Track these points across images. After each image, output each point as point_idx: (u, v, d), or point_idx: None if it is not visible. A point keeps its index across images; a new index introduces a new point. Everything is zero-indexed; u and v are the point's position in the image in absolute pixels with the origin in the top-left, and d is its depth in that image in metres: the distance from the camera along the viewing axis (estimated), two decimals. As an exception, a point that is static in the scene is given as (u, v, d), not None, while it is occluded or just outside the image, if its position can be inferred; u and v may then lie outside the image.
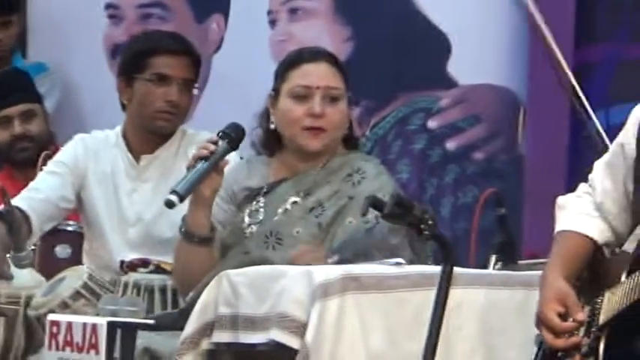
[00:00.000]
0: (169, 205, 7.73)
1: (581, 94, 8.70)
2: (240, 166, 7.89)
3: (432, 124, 9.34)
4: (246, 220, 7.87)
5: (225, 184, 7.89)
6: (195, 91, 9.05)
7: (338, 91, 7.70)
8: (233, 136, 7.69)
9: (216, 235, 7.77)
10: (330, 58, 8.15)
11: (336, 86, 7.72)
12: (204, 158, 7.67)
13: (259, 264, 7.40)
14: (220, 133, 7.83)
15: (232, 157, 7.94)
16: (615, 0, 9.45)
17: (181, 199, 7.65)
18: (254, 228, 7.81)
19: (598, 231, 6.01)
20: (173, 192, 7.70)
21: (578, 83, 9.24)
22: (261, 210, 7.79)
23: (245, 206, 7.88)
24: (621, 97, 7.21)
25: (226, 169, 7.87)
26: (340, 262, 7.39)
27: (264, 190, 7.88)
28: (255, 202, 7.85)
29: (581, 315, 5.82)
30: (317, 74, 7.83)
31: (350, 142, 7.95)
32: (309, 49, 8.46)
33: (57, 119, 9.66)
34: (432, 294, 6.20)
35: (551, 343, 5.90)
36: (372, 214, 7.17)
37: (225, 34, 10.08)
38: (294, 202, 7.69)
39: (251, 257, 7.46)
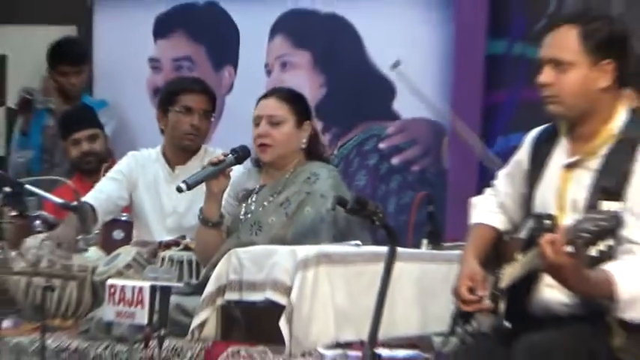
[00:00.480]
0: (179, 190, 7.79)
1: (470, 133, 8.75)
2: (242, 174, 8.03)
3: (381, 145, 9.44)
4: (242, 212, 7.98)
5: (232, 186, 8.02)
6: (212, 119, 9.05)
7: (279, 118, 7.82)
8: (240, 153, 7.79)
9: (224, 222, 7.91)
10: (280, 94, 8.23)
11: (276, 114, 7.85)
12: (215, 164, 7.82)
13: (247, 245, 7.58)
14: (231, 150, 7.91)
15: (238, 168, 8.03)
16: (516, 56, 9.48)
17: (189, 188, 7.75)
18: (246, 217, 7.97)
19: (500, 222, 6.20)
20: (184, 182, 7.81)
21: (489, 117, 9.43)
22: (252, 206, 7.93)
23: (243, 202, 7.99)
24: (518, 128, 7.24)
25: (233, 175, 8.02)
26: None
27: (255, 191, 7.97)
28: (249, 200, 7.95)
29: (482, 292, 5.96)
30: (264, 106, 8.01)
31: (311, 154, 8.02)
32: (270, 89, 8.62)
33: (114, 141, 9.70)
34: (381, 267, 6.22)
35: (460, 308, 6.10)
36: (324, 207, 7.66)
37: (235, 80, 10.12)
38: (270, 200, 7.82)
39: (241, 241, 7.63)
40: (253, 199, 8.01)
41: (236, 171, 8.14)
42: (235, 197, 8.10)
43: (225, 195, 8.03)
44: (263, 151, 7.93)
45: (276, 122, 7.90)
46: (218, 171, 7.84)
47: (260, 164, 8.17)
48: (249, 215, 7.96)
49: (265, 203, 7.92)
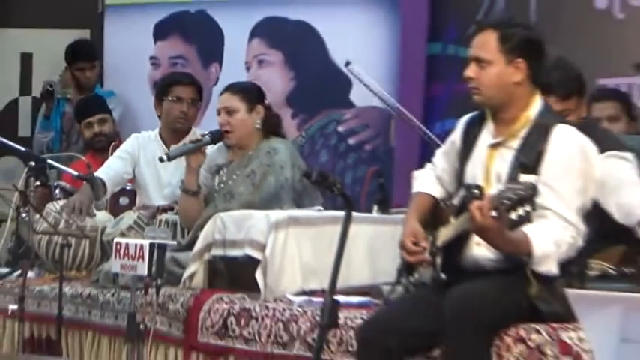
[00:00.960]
0: (161, 160, 8.01)
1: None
2: (214, 152, 7.98)
3: (340, 129, 9.41)
4: (216, 183, 7.97)
5: (207, 162, 8.02)
6: (199, 107, 9.03)
7: (233, 107, 7.82)
8: (215, 136, 7.82)
9: (201, 192, 7.91)
10: (232, 88, 8.22)
11: (230, 105, 7.86)
12: (193, 142, 7.93)
13: (225, 211, 7.59)
14: (208, 132, 7.98)
15: (212, 147, 8.01)
16: (450, 56, 9.46)
17: (169, 159, 7.91)
18: (220, 188, 7.95)
19: (437, 192, 6.22)
20: (166, 154, 7.97)
21: (429, 106, 9.43)
22: (224, 178, 7.89)
23: (216, 175, 7.97)
24: (452, 114, 7.21)
25: (208, 153, 8.06)
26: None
27: (225, 165, 7.95)
28: (221, 173, 7.92)
29: (425, 243, 5.98)
30: (221, 100, 8.01)
31: (268, 132, 8.00)
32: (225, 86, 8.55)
33: (120, 124, 9.68)
34: (339, 228, 6.29)
35: (407, 259, 6.11)
36: (283, 176, 7.72)
37: (220, 74, 10.09)
38: (238, 174, 7.77)
39: (218, 208, 7.62)
40: (224, 171, 8.00)
41: (209, 149, 8.09)
42: (209, 171, 8.08)
43: (201, 170, 8.03)
44: (226, 137, 7.96)
45: (231, 111, 7.90)
46: (195, 148, 7.92)
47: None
48: (222, 186, 7.96)
49: (234, 176, 7.91)
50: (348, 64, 8.47)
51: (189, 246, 7.61)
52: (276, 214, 7.31)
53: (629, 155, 6.20)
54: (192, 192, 7.94)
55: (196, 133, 8.79)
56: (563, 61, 6.85)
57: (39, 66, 11.50)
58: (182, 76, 9.27)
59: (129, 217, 8.10)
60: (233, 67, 10.17)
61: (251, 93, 8.15)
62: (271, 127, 8.06)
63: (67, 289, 7.41)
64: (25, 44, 11.61)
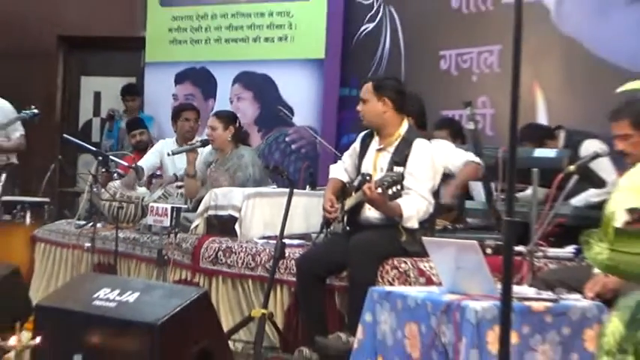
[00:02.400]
0: (168, 154, 8.17)
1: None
2: (208, 152, 7.80)
3: (287, 139, 9.28)
4: (208, 173, 7.76)
5: (204, 158, 7.87)
6: (199, 124, 8.82)
7: (215, 126, 7.64)
8: (203, 142, 7.79)
9: (197, 175, 7.75)
10: (217, 114, 8.05)
11: (213, 125, 7.68)
12: (190, 145, 7.88)
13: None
14: (200, 140, 7.99)
15: (207, 148, 7.89)
16: (353, 96, 9.20)
17: (173, 154, 8.04)
18: (210, 176, 7.73)
19: (344, 177, 6.14)
20: (171, 151, 8.01)
21: (340, 126, 9.37)
22: (212, 169, 7.71)
23: (208, 167, 7.76)
24: (354, 131, 7.04)
25: (203, 152, 7.94)
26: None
27: (214, 161, 7.73)
28: (211, 166, 7.72)
29: (337, 208, 5.95)
30: (209, 121, 7.82)
31: (238, 141, 7.76)
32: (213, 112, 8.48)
33: (154, 134, 9.55)
34: (285, 198, 6.21)
35: (327, 217, 6.05)
36: (248, 172, 7.55)
37: (214, 105, 9.90)
38: (220, 168, 7.58)
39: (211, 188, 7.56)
40: (213, 166, 7.77)
41: (206, 150, 7.94)
42: (205, 164, 7.87)
43: (198, 162, 7.85)
44: (211, 143, 7.78)
45: (214, 128, 7.70)
46: (190, 149, 7.81)
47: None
48: (212, 174, 7.73)
49: (219, 169, 7.69)
50: (280, 110, 8.44)
51: (194, 209, 7.45)
52: (248, 190, 7.20)
53: None
54: (190, 175, 7.78)
55: (197, 140, 8.72)
56: (417, 98, 6.82)
57: (105, 99, 11.35)
58: (188, 106, 9.06)
59: (159, 191, 8.04)
60: (222, 102, 9.97)
61: (226, 117, 7.92)
62: (240, 139, 7.89)
63: (121, 234, 7.32)
64: (96, 86, 11.46)
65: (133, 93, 10.49)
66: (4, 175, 8.43)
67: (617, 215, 3.12)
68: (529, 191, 5.79)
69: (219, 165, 7.78)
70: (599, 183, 6.09)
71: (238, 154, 7.74)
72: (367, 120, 5.98)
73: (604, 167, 6.08)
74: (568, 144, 6.61)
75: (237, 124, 7.94)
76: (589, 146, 6.22)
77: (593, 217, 5.37)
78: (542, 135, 6.82)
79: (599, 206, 4.82)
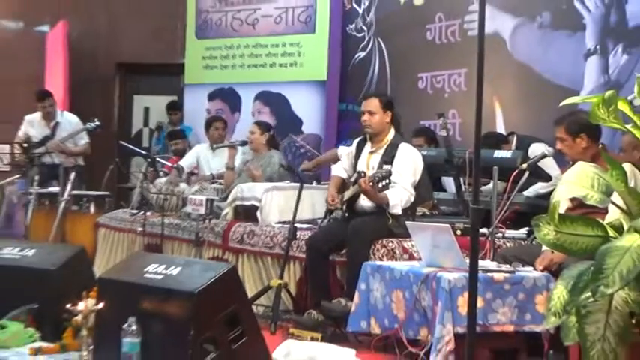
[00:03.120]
0: (212, 149, 8.30)
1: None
2: (248, 152, 7.86)
3: (297, 144, 9.23)
4: (245, 167, 7.64)
5: (240, 156, 7.91)
6: (226, 132, 8.81)
7: (255, 132, 7.73)
8: (242, 142, 7.89)
9: (235, 170, 7.71)
10: (257, 123, 8.09)
11: (253, 131, 7.74)
12: (231, 143, 8.00)
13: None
14: (240, 140, 8.05)
15: (245, 149, 7.96)
16: (350, 110, 9.26)
17: (214, 149, 8.22)
18: (246, 171, 7.61)
19: (343, 174, 6.05)
20: (216, 145, 8.25)
21: (340, 134, 9.31)
22: (249, 165, 7.59)
23: (245, 163, 7.70)
24: (351, 137, 6.86)
25: (246, 152, 7.95)
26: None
27: (250, 160, 7.68)
28: (248, 163, 7.62)
29: (338, 198, 5.88)
30: (250, 127, 7.96)
31: (270, 146, 7.70)
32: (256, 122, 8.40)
33: (192, 141, 9.43)
34: (296, 191, 6.19)
35: (329, 206, 5.97)
36: (275, 167, 7.47)
37: (240, 117, 9.87)
38: (255, 165, 7.49)
39: (245, 180, 7.51)
40: (249, 162, 7.66)
41: (244, 149, 7.97)
42: (242, 161, 7.82)
43: (237, 159, 7.86)
44: (250, 145, 7.74)
45: (253, 133, 7.69)
46: (231, 145, 7.90)
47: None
48: (249, 168, 7.58)
49: (254, 165, 7.59)
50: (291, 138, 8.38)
51: (225, 199, 7.38)
52: (266, 185, 7.14)
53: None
54: (230, 168, 7.76)
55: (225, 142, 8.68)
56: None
57: (152, 113, 11.32)
58: (217, 118, 8.95)
59: (196, 186, 7.97)
60: (245, 115, 9.90)
61: (264, 126, 7.93)
62: (271, 144, 7.83)
63: (165, 220, 7.29)
64: (146, 102, 11.43)
65: (175, 108, 10.44)
66: (73, 174, 8.41)
67: (561, 204, 3.12)
68: (490, 185, 5.77)
69: (254, 162, 7.72)
70: (546, 178, 6.08)
71: (270, 155, 7.71)
72: (373, 128, 5.87)
73: (550, 165, 6.04)
74: (519, 146, 6.60)
75: (271, 133, 7.95)
76: (535, 149, 6.24)
77: (541, 205, 5.53)
78: (499, 141, 6.81)
79: (547, 196, 4.87)
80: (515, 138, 6.86)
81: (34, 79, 10.54)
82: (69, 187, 8.30)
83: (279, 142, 8.53)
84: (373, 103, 5.87)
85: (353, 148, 6.12)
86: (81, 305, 3.97)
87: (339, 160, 6.26)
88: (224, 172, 8.09)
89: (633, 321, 2.94)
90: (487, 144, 6.50)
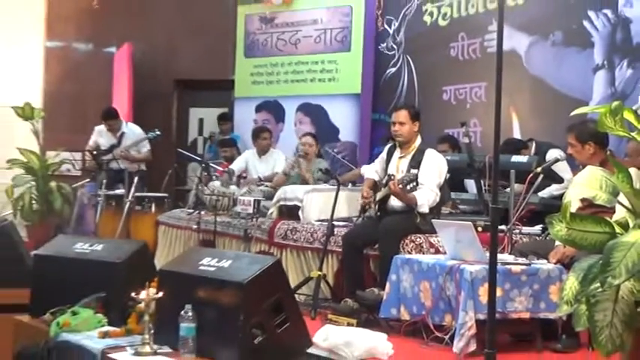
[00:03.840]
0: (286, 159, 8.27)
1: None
2: (299, 160, 7.96)
3: (335, 150, 8.95)
4: (299, 171, 7.75)
5: (290, 162, 7.97)
6: (272, 140, 8.80)
7: (310, 143, 7.82)
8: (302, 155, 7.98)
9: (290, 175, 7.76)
10: (310, 134, 8.14)
11: (309, 142, 7.79)
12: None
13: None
14: (299, 153, 8.02)
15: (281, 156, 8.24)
16: (382, 119, 9.19)
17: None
18: (295, 175, 7.75)
19: (375, 176, 6.01)
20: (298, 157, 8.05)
21: (373, 141, 9.22)
22: (303, 170, 7.71)
23: (294, 168, 7.80)
24: (382, 144, 6.92)
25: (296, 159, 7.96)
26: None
27: (301, 166, 7.79)
28: (296, 169, 7.73)
29: (371, 198, 5.85)
30: (304, 139, 7.94)
31: (318, 155, 7.89)
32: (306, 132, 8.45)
33: (240, 148, 9.39)
34: (334, 192, 6.22)
35: (363, 205, 5.94)
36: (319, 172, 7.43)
37: (284, 127, 9.84)
38: (307, 170, 7.65)
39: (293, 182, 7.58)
40: (303, 167, 7.73)
41: (279, 157, 8.15)
42: (293, 167, 7.86)
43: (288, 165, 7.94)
44: (307, 156, 7.81)
45: (311, 145, 7.84)
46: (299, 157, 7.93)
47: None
48: (303, 173, 7.71)
49: (308, 170, 7.68)
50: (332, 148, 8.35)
51: (271, 199, 7.39)
52: (307, 187, 7.19)
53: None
54: (286, 173, 7.85)
55: (273, 151, 8.63)
56: None
57: (206, 124, 11.30)
58: (264, 128, 8.88)
59: (245, 188, 7.94)
60: (288, 125, 9.90)
61: (316, 138, 8.03)
62: (319, 153, 7.94)
63: (218, 219, 7.30)
64: (200, 114, 11.44)
65: (226, 119, 10.46)
66: (136, 178, 8.46)
67: (572, 204, 3.10)
68: (509, 188, 5.76)
69: (307, 167, 7.78)
70: (559, 180, 6.04)
71: (318, 162, 7.83)
72: (403, 136, 5.84)
73: (562, 169, 6.00)
74: (537, 152, 6.56)
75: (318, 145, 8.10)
76: (552, 153, 6.14)
77: (554, 205, 5.49)
78: (518, 146, 6.76)
79: (559, 197, 4.81)
80: (533, 144, 6.80)
81: (103, 94, 10.64)
82: (133, 189, 8.35)
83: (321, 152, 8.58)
84: (403, 115, 5.86)
85: (384, 154, 6.11)
86: (143, 294, 3.99)
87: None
88: (270, 175, 8.16)
89: (638, 309, 2.90)
90: (508, 149, 6.49)
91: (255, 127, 9.14)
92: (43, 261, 4.98)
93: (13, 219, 8.06)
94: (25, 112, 9.74)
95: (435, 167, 5.77)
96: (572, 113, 3.50)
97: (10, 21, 10.84)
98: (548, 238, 5.13)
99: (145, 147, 9.19)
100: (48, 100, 11.04)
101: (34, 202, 9.66)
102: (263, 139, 8.55)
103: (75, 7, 10.80)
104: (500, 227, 4.47)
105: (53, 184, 9.74)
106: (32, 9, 10.90)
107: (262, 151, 8.51)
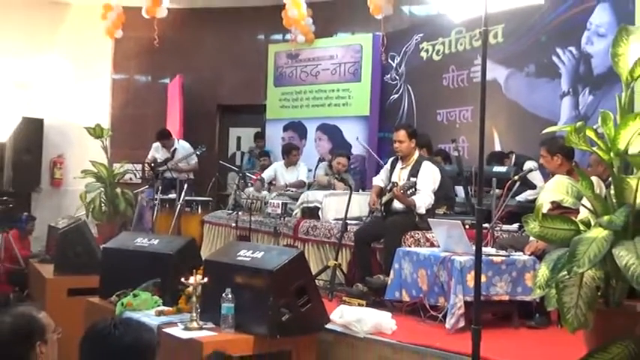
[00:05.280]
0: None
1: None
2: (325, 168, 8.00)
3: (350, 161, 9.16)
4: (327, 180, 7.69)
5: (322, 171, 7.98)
6: (299, 155, 8.66)
7: (345, 164, 7.76)
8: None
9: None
10: (341, 151, 8.12)
11: (342, 162, 7.71)
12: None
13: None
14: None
15: (323, 165, 8.09)
16: (387, 137, 9.03)
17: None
18: (314, 183, 7.76)
19: (382, 184, 5.94)
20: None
21: (380, 154, 9.10)
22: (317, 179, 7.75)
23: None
24: (387, 157, 6.80)
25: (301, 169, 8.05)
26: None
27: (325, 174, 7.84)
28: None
29: (378, 201, 5.81)
30: (340, 160, 7.82)
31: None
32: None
33: (272, 160, 9.33)
34: (347, 196, 6.19)
35: (371, 207, 5.92)
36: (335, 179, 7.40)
37: (307, 143, 9.77)
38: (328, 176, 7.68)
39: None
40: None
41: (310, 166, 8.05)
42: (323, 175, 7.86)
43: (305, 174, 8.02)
44: (342, 173, 7.63)
45: (345, 165, 7.75)
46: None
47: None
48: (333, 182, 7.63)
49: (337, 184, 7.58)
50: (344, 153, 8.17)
51: (296, 200, 7.37)
52: (326, 192, 7.12)
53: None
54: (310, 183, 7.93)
55: (300, 164, 8.50)
56: (427, 137, 6.82)
57: (243, 141, 11.27)
58: (295, 146, 8.75)
59: (274, 193, 7.92)
60: (310, 142, 9.81)
61: (348, 158, 8.03)
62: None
63: (252, 218, 7.29)
64: (238, 133, 11.38)
65: (260, 137, 10.42)
66: (185, 185, 8.47)
67: (544, 206, 3.09)
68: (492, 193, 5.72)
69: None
70: (533, 187, 6.02)
71: (346, 176, 7.69)
72: (403, 152, 5.77)
73: (536, 177, 6.00)
74: (516, 162, 6.51)
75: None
76: (528, 164, 6.09)
77: (529, 207, 5.38)
78: (502, 157, 6.78)
79: (533, 201, 4.77)
80: (513, 156, 6.78)
81: (159, 116, 10.71)
82: (183, 194, 8.34)
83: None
84: (402, 134, 5.79)
85: (388, 165, 6.06)
86: (191, 280, 4.00)
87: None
88: (295, 182, 8.19)
89: (599, 293, 2.91)
90: (493, 159, 6.56)
91: (287, 145, 9.05)
92: (110, 253, 5.06)
93: (86, 219, 8.06)
94: (96, 132, 9.81)
95: (430, 176, 5.72)
96: (544, 131, 3.50)
97: (84, 59, 10.97)
98: (523, 234, 5.11)
99: (193, 159, 9.19)
100: (114, 122, 11.12)
101: (102, 204, 9.72)
102: (294, 155, 8.48)
103: (136, 47, 10.88)
104: (484, 225, 4.47)
105: (118, 190, 9.80)
106: (102, 49, 11.00)
107: (290, 164, 8.47)
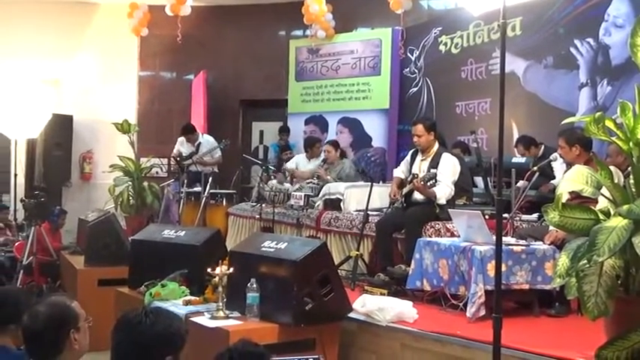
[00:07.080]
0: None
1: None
2: (320, 162, 7.97)
3: (368, 154, 8.92)
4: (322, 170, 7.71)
5: (317, 162, 7.96)
6: (321, 147, 8.46)
7: (330, 150, 7.76)
8: (325, 160, 7.88)
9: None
10: (332, 142, 8.02)
11: (329, 149, 7.77)
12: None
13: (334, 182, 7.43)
14: (323, 158, 7.91)
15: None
16: (406, 130, 8.94)
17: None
18: (329, 174, 7.70)
19: (402, 175, 5.92)
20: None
21: (399, 147, 9.05)
22: (330, 171, 7.66)
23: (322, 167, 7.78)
24: (407, 149, 6.85)
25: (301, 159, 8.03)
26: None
27: (334, 166, 7.75)
28: (329, 169, 7.65)
29: (399, 192, 5.79)
30: (326, 147, 7.90)
31: (342, 156, 7.77)
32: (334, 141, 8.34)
33: (294, 153, 9.35)
34: (368, 188, 6.12)
35: (392, 198, 5.89)
36: (345, 173, 7.50)
37: (327, 137, 9.64)
38: (335, 170, 7.58)
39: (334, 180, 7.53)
40: (330, 169, 7.66)
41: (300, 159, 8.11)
42: (317, 166, 7.84)
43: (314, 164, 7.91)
44: (328, 159, 7.72)
45: (330, 152, 7.72)
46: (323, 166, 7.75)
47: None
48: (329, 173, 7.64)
49: (326, 171, 7.62)
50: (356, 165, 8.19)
51: (318, 194, 7.34)
52: (348, 184, 7.12)
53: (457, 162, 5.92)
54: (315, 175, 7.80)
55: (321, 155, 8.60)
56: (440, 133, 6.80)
57: (266, 135, 11.23)
58: (318, 139, 8.75)
59: (297, 185, 7.90)
60: (331, 134, 9.76)
61: (336, 144, 7.96)
62: (342, 155, 7.81)
63: (276, 210, 7.28)
64: (261, 127, 11.33)
65: (284, 131, 10.34)
66: (210, 178, 8.50)
67: (563, 196, 3.08)
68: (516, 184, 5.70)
69: (331, 168, 7.74)
70: (552, 177, 5.97)
71: (342, 162, 7.76)
72: (422, 145, 5.73)
73: (556, 167, 5.97)
74: (545, 153, 6.46)
75: (340, 147, 7.94)
76: (553, 156, 6.14)
77: (549, 197, 5.35)
78: (530, 143, 6.75)
79: (553, 190, 4.72)
80: (543, 147, 6.74)
81: (183, 112, 10.75)
82: (208, 187, 8.36)
83: (351, 153, 8.45)
84: (419, 128, 5.76)
85: (408, 157, 6.04)
86: (217, 270, 4.01)
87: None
88: (307, 172, 8.18)
89: (619, 282, 2.91)
90: (523, 141, 6.61)
91: (310, 138, 9.04)
92: (138, 244, 5.09)
93: (115, 212, 8.11)
94: (124, 127, 9.84)
95: (450, 167, 5.68)
96: (563, 122, 3.48)
97: (111, 57, 11.05)
98: (543, 224, 5.09)
99: (217, 153, 9.20)
100: (141, 118, 11.16)
101: (130, 198, 9.74)
102: (317, 147, 8.46)
103: (161, 45, 10.94)
104: (504, 215, 4.45)
105: (145, 183, 9.81)
106: (129, 47, 11.06)
107: (312, 156, 8.46)
